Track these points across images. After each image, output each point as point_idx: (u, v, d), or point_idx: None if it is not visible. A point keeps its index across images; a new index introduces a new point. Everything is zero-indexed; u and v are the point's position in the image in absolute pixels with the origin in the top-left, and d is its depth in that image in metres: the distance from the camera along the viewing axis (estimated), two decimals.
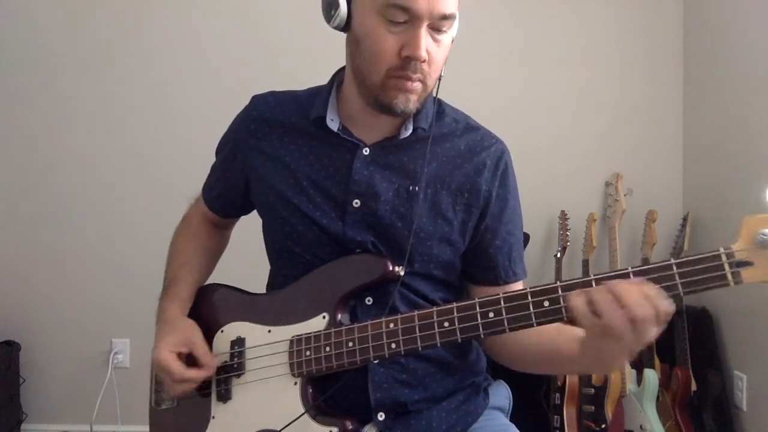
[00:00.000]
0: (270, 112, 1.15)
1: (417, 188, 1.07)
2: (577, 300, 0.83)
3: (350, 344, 1.00)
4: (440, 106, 1.14)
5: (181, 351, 1.09)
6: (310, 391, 1.04)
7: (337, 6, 1.01)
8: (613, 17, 2.65)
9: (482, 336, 0.93)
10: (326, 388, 1.04)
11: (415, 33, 0.96)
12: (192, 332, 1.12)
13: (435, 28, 0.98)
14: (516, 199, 1.15)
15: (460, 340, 0.93)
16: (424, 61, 0.98)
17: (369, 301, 1.06)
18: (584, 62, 2.65)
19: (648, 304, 0.80)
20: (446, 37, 1.01)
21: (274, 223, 1.13)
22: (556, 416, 2.34)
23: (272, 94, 1.19)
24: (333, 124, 1.09)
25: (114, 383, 2.59)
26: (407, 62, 0.97)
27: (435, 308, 0.96)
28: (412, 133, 1.09)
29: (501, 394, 1.20)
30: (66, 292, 2.65)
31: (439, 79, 1.06)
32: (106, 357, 2.63)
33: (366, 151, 1.09)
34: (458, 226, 1.09)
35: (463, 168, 1.10)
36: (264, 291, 1.21)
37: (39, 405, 2.64)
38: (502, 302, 0.91)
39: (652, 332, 0.81)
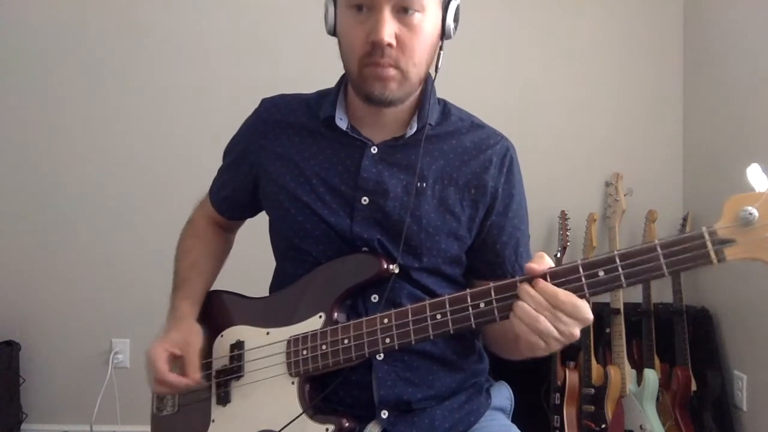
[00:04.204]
0: (279, 113, 1.17)
1: (425, 185, 1.08)
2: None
3: (345, 341, 1.01)
4: (446, 106, 1.16)
5: (174, 352, 1.10)
6: (308, 390, 1.05)
7: (326, 13, 1.05)
8: (613, 17, 2.65)
9: (473, 326, 0.94)
10: (325, 386, 1.05)
11: (377, 17, 0.97)
12: (193, 337, 1.13)
13: (401, 11, 0.99)
14: (521, 194, 1.16)
15: (452, 332, 0.95)
16: (389, 45, 0.98)
17: (375, 298, 1.07)
18: (584, 62, 2.65)
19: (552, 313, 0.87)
20: (419, 20, 1.00)
21: (283, 221, 1.14)
22: (556, 416, 2.34)
23: (281, 96, 1.21)
24: (342, 123, 1.11)
25: (114, 383, 2.60)
26: (374, 48, 0.99)
27: (427, 301, 0.97)
28: (417, 131, 1.10)
29: (502, 395, 1.21)
30: (66, 292, 2.65)
31: (437, 69, 1.07)
32: (106, 357, 2.64)
33: (374, 150, 1.10)
34: (466, 222, 1.10)
35: (470, 164, 1.11)
36: (266, 291, 1.22)
37: (39, 405, 2.64)
38: (492, 292, 0.92)
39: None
